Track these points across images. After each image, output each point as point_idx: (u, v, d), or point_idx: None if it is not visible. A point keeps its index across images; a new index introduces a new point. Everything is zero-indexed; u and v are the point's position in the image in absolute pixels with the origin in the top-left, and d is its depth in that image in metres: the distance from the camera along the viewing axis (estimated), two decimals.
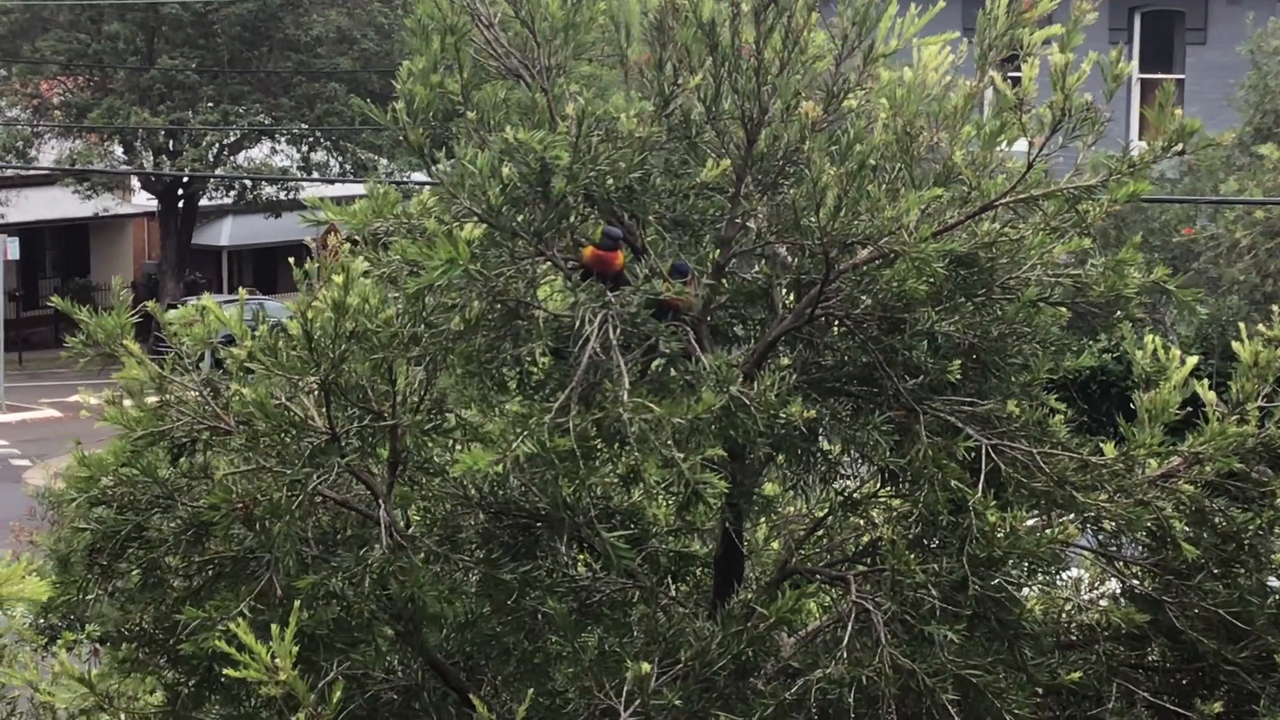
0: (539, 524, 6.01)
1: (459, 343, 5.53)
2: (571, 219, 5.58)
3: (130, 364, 6.06)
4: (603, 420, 5.18)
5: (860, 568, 5.95)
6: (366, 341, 5.59)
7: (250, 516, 5.61)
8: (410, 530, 6.06)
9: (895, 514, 6.02)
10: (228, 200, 48.20)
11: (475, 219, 5.38)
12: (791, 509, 6.50)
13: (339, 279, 5.48)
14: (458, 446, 5.93)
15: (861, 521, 6.21)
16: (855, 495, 6.14)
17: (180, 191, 47.03)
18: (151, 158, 45.35)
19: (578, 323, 5.30)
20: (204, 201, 48.17)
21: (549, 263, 5.53)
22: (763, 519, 6.47)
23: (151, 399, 6.04)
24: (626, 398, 5.14)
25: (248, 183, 46.52)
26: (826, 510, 6.25)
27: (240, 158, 47.45)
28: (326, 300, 5.57)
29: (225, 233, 51.03)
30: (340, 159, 47.08)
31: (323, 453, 5.65)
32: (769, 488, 6.23)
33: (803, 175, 5.60)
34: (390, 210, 5.74)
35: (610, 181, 5.47)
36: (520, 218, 5.44)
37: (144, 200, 49.37)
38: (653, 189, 5.66)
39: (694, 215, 5.77)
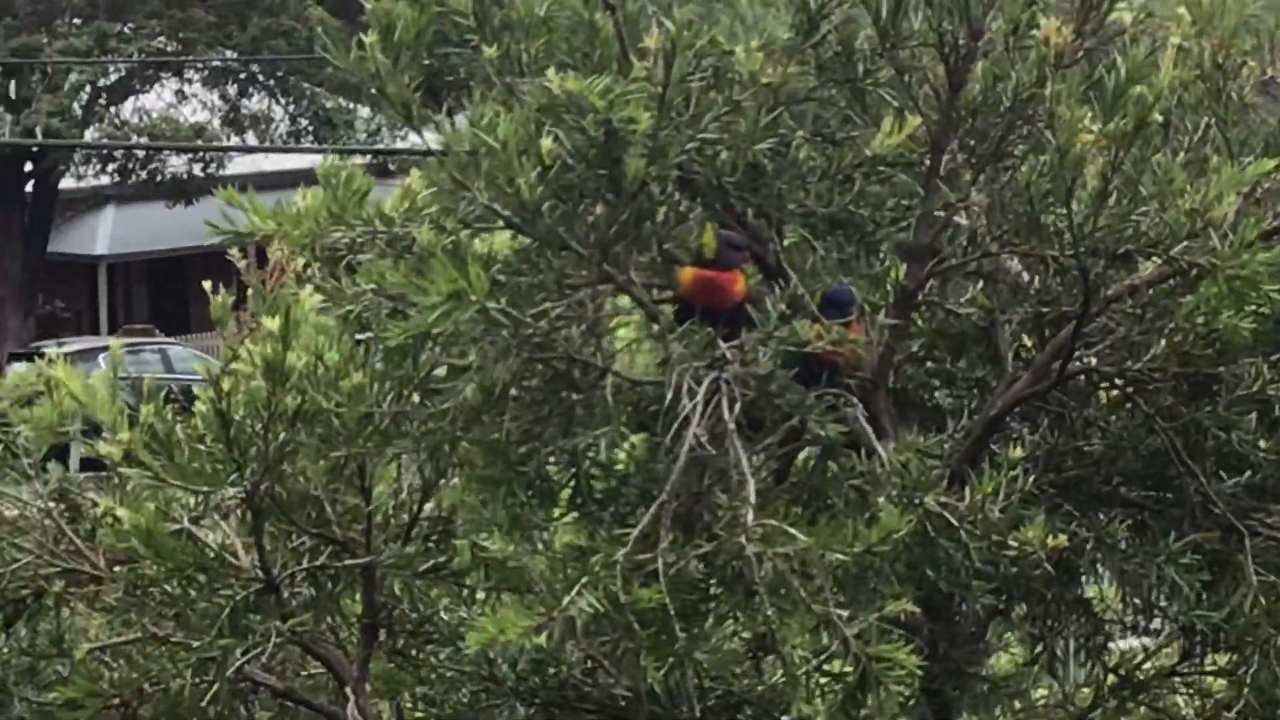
0: None
1: (474, 428, 5.55)
2: (659, 219, 5.59)
3: None
4: (714, 556, 5.23)
5: None
6: (322, 426, 5.63)
7: (134, 718, 5.65)
8: None
9: (1211, 702, 6.08)
10: (105, 181, 48.80)
11: (498, 223, 5.41)
12: (1041, 694, 6.53)
13: (273, 324, 5.51)
14: (476, 597, 5.98)
15: (1154, 713, 6.26)
16: (1140, 670, 6.21)
17: (28, 168, 47.66)
18: None
19: (670, 393, 5.32)
20: (67, 183, 48.80)
21: (622, 294, 5.56)
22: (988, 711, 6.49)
23: None
24: (752, 518, 5.17)
25: (139, 152, 47.09)
26: (1092, 695, 6.30)
27: (127, 109, 48.06)
28: (254, 359, 5.60)
29: (103, 233, 51.68)
30: (290, 107, 47.60)
31: (253, 610, 5.70)
32: (1001, 661, 6.28)
33: (1043, 140, 5.63)
34: (356, 210, 5.74)
35: (723, 156, 5.49)
36: (566, 215, 5.46)
37: None
38: (793, 167, 5.68)
39: (862, 209, 5.79)
